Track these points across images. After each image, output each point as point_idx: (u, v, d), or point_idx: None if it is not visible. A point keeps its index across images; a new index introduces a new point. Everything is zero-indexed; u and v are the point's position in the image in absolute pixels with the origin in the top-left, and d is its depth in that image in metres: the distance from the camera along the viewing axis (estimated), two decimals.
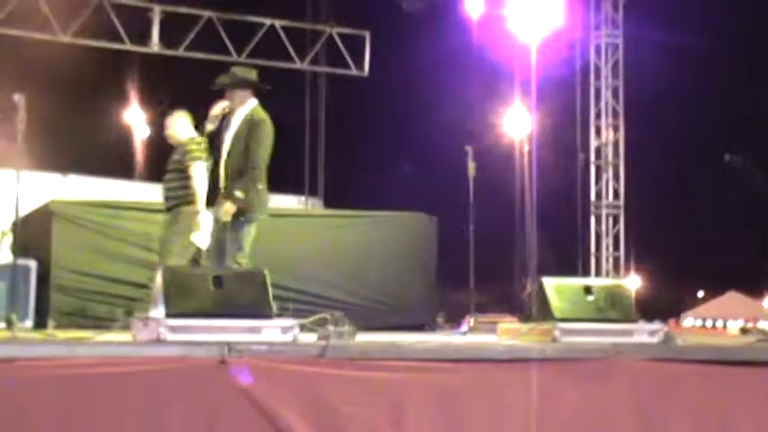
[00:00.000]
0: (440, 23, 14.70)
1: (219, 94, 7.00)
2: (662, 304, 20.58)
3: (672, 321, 16.87)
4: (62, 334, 6.70)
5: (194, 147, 7.23)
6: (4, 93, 6.38)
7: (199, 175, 7.10)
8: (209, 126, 6.89)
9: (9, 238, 9.46)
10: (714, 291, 24.90)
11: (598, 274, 14.89)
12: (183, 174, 7.20)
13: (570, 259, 15.13)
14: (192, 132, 7.41)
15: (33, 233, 9.37)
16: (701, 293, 28.07)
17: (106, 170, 13.49)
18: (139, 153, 20.13)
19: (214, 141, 6.91)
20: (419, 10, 14.44)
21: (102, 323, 7.36)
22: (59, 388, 4.40)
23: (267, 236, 9.63)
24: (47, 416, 4.35)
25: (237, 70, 7.17)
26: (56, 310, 8.76)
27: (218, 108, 6.92)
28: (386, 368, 5.00)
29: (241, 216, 6.82)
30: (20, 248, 9.60)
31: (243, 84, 6.99)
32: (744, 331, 11.89)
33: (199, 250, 7.04)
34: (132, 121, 20.13)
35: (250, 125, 6.91)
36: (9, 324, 5.91)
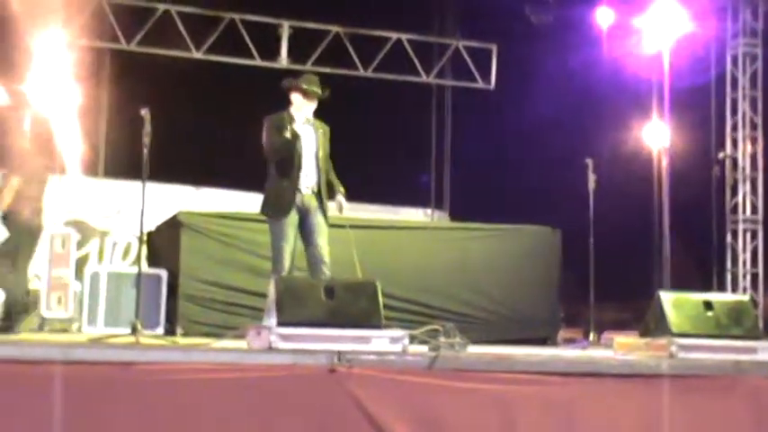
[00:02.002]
0: (568, 35, 14.53)
1: (283, 96, 7.18)
2: None
3: None
4: (184, 341, 6.93)
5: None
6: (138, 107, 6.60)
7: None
8: (297, 129, 7.05)
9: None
10: None
11: (734, 290, 14.39)
12: None
13: (705, 275, 14.70)
14: None
15: (164, 243, 9.71)
16: None
17: (242, 183, 13.81)
18: None
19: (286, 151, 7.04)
20: (547, 22, 14.31)
21: (228, 332, 7.53)
22: (174, 391, 4.54)
23: (392, 248, 9.76)
24: (160, 417, 4.49)
25: None
26: (184, 317, 8.99)
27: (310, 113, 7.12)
28: (496, 380, 4.96)
29: None
30: (151, 258, 9.97)
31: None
32: None
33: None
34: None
35: (325, 133, 7.27)
36: (134, 330, 6.13)
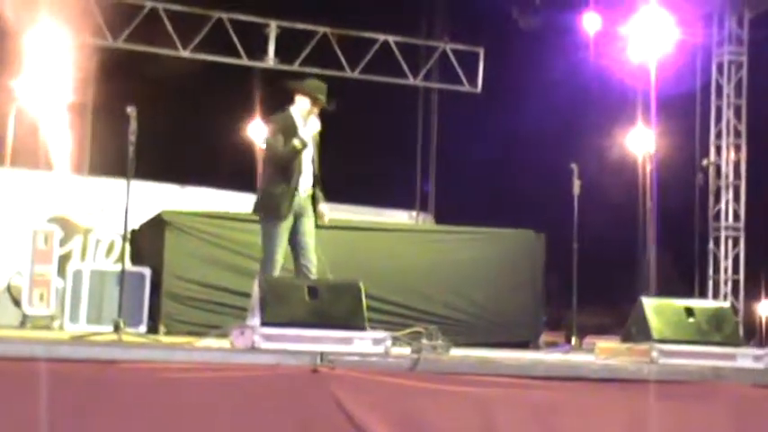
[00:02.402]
0: (556, 40, 14.58)
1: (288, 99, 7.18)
2: None
3: None
4: (167, 339, 6.93)
5: None
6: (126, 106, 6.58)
7: None
8: (305, 137, 7.05)
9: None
10: None
11: (716, 297, 14.46)
12: None
13: (687, 281, 14.77)
14: None
15: (148, 242, 9.69)
16: None
17: (229, 183, 13.81)
18: (261, 166, 20.58)
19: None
20: (535, 27, 14.35)
21: (211, 331, 7.51)
22: (156, 390, 4.54)
23: (376, 250, 9.78)
24: (143, 416, 4.48)
25: None
26: (167, 316, 8.98)
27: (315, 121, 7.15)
28: (477, 383, 4.98)
29: None
30: (135, 256, 9.96)
31: None
32: None
33: None
34: (254, 134, 20.63)
35: (315, 136, 7.23)
36: (116, 328, 6.12)
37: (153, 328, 8.90)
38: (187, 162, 15.12)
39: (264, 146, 7.20)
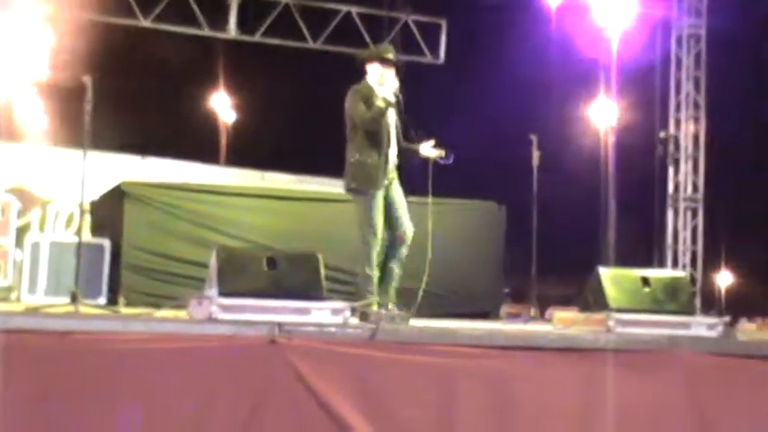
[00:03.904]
0: (518, 12, 14.59)
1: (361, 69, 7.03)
2: (755, 302, 20.06)
3: (759, 320, 16.33)
4: (125, 310, 6.89)
5: None
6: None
7: None
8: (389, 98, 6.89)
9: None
10: None
11: (675, 267, 14.64)
12: None
13: (647, 252, 14.93)
14: None
15: (107, 213, 9.60)
16: None
17: (191, 154, 13.70)
18: (224, 138, 20.50)
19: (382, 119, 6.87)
20: None
21: (170, 302, 7.48)
22: (111, 361, 4.53)
23: (335, 220, 9.72)
24: (98, 386, 4.48)
25: None
26: (127, 288, 8.90)
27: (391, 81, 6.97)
28: (435, 353, 5.01)
29: None
30: (95, 228, 9.88)
31: None
32: None
33: None
34: (218, 106, 20.53)
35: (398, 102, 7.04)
36: (73, 299, 6.07)
37: (113, 300, 8.83)
38: (149, 133, 15.00)
39: (349, 117, 6.92)
